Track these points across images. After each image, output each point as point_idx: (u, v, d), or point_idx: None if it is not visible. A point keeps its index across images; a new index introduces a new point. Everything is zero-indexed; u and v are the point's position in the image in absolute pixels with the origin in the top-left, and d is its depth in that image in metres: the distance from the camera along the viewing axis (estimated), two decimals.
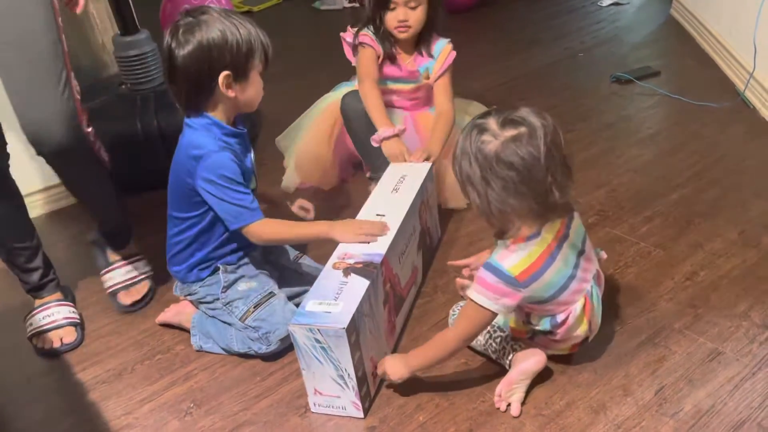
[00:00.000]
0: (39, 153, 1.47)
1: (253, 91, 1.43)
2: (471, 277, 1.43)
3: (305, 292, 1.47)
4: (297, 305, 1.44)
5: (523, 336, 1.35)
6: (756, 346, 1.36)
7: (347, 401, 1.30)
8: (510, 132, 1.16)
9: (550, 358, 1.32)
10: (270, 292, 1.50)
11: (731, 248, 1.64)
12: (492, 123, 1.18)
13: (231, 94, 1.39)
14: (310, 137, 2.03)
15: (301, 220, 1.61)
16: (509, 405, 1.29)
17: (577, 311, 1.27)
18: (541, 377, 1.32)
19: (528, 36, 3.22)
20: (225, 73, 1.36)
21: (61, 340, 1.61)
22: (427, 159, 1.74)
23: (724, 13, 2.59)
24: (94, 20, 2.45)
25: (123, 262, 1.76)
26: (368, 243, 1.41)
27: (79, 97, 1.53)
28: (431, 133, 1.83)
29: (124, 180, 2.14)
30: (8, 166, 1.57)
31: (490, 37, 3.29)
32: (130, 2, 2.21)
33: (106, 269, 1.76)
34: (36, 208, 2.14)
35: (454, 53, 1.90)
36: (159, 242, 1.58)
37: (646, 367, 1.34)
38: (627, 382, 1.32)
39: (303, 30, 3.78)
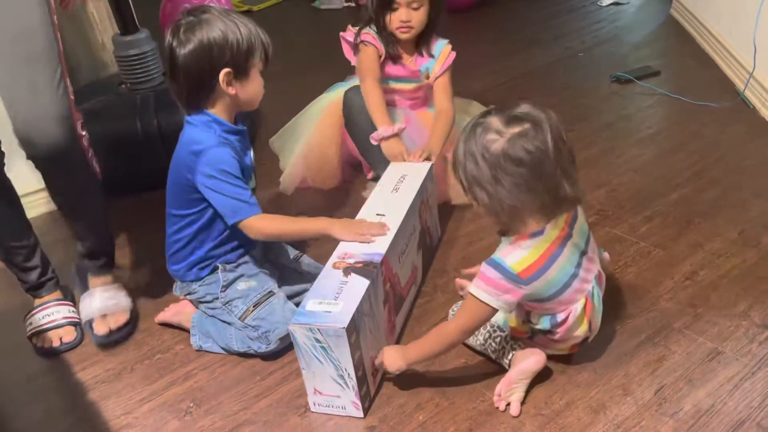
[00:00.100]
0: (29, 156, 1.44)
1: (253, 89, 1.44)
2: (471, 278, 1.43)
3: (305, 291, 1.48)
4: (297, 304, 1.44)
5: (523, 335, 1.35)
6: (756, 345, 1.36)
7: (347, 401, 1.30)
8: (515, 129, 1.16)
9: (549, 357, 1.32)
10: (269, 291, 1.50)
11: (731, 248, 1.64)
12: (495, 121, 1.18)
13: (231, 91, 1.40)
14: (319, 137, 2.02)
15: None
16: (509, 404, 1.28)
17: (577, 311, 1.27)
18: (540, 377, 1.31)
19: (528, 36, 3.21)
20: (226, 70, 1.37)
21: (60, 339, 1.61)
22: (427, 158, 1.74)
23: (724, 13, 2.59)
24: (94, 20, 2.46)
25: (101, 289, 1.64)
26: (368, 243, 1.41)
27: (72, 98, 1.51)
28: (431, 133, 1.83)
29: (124, 180, 2.15)
30: (3, 164, 1.56)
31: (490, 37, 3.29)
32: (130, 2, 2.21)
33: (85, 295, 1.65)
34: (36, 207, 2.13)
35: (454, 53, 1.91)
36: (159, 242, 1.58)
37: (646, 366, 1.34)
38: (627, 381, 1.32)
39: (302, 29, 3.78)
